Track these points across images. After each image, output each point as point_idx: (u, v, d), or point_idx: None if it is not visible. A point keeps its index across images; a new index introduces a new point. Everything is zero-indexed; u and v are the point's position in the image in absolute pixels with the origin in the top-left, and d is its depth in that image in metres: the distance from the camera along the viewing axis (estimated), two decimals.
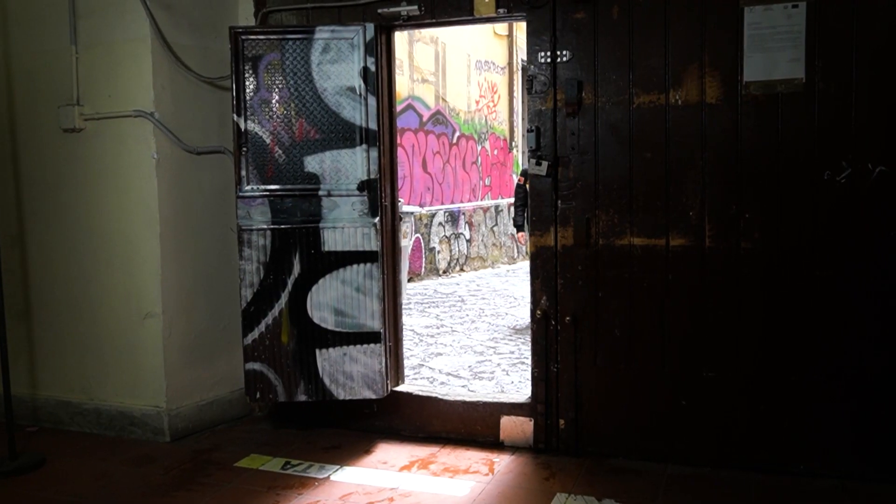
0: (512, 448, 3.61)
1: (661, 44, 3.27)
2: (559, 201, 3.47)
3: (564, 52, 3.40)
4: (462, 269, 10.31)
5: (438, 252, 9.72)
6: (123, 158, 3.79)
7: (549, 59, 3.43)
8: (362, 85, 3.62)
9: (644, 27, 3.29)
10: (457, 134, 10.37)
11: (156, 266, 3.75)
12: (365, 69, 3.61)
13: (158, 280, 3.76)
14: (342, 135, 3.65)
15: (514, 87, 11.93)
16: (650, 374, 3.39)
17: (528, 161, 3.51)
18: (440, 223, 9.71)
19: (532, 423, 3.59)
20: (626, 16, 3.30)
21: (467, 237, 10.40)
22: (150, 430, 3.82)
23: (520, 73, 11.89)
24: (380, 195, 3.68)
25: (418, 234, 9.18)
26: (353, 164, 3.66)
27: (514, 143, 12.22)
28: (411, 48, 9.15)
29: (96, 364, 3.94)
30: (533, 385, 3.60)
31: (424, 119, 9.46)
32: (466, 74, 10.59)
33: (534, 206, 3.53)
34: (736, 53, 3.17)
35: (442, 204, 9.89)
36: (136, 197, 3.78)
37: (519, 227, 7.02)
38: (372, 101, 3.63)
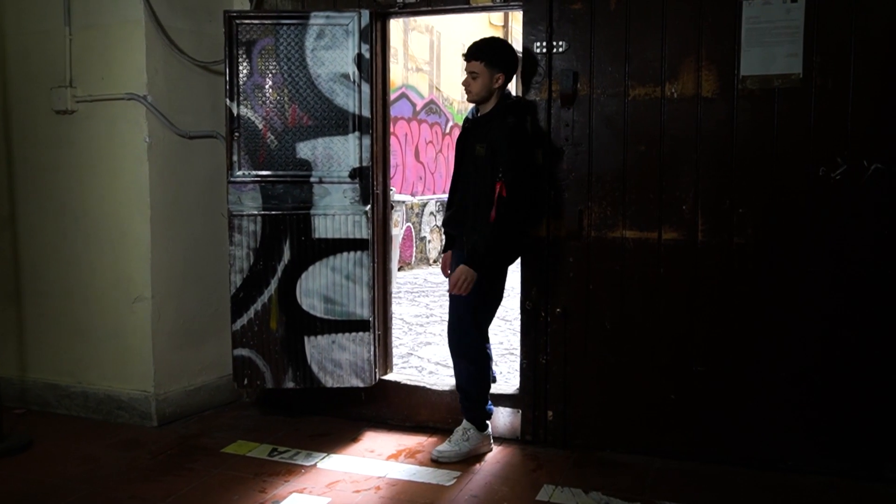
0: (499, 439, 3.61)
1: (657, 36, 3.25)
2: (552, 192, 3.46)
3: (560, 43, 3.38)
4: None
5: (429, 241, 9.70)
6: (115, 141, 3.76)
7: (544, 50, 3.41)
8: (356, 72, 3.60)
9: (641, 19, 3.27)
10: (450, 124, 10.34)
11: (146, 250, 3.73)
12: (359, 56, 3.58)
13: (148, 264, 3.73)
14: (335, 122, 3.63)
15: None
16: (640, 367, 3.39)
17: None
18: (431, 212, 9.69)
19: (520, 414, 3.59)
20: (624, 7, 3.28)
21: None
22: (137, 414, 3.80)
23: None
24: (372, 183, 3.66)
25: (409, 223, 9.17)
26: (345, 151, 3.64)
27: None
28: (406, 37, 9.11)
29: (85, 347, 3.92)
30: (521, 376, 3.60)
31: (418, 108, 9.43)
32: (461, 64, 10.55)
33: None
34: (733, 47, 3.16)
35: (434, 193, 9.87)
36: (127, 180, 3.75)
37: (448, 238, 3.59)
38: (366, 88, 3.60)
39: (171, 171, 3.82)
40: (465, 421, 3.43)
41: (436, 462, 3.35)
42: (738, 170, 3.20)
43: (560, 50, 3.39)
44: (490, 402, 3.50)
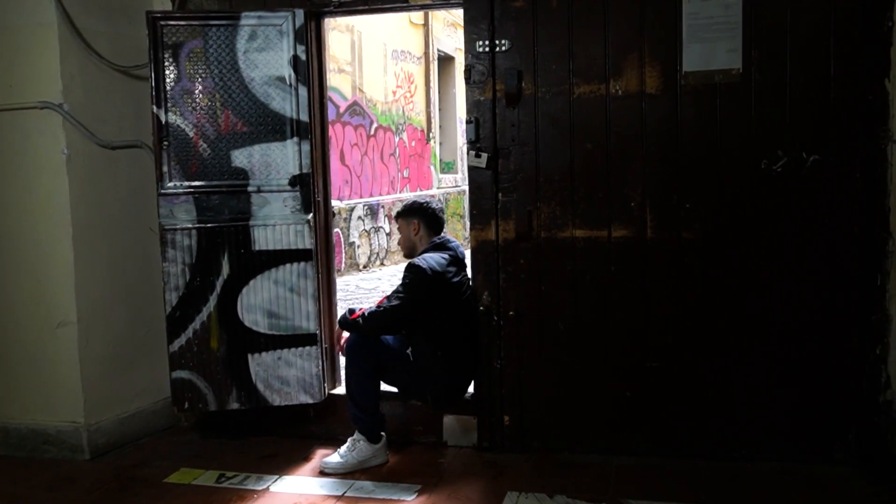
0: (456, 447, 3.53)
1: (601, 33, 3.23)
2: (500, 194, 3.40)
3: (503, 42, 3.32)
4: (383, 264, 10.16)
5: (358, 247, 9.54)
6: (29, 155, 3.48)
7: (487, 49, 3.34)
8: (293, 74, 3.44)
9: (584, 16, 3.24)
10: (374, 125, 10.18)
11: (69, 271, 3.47)
12: (295, 58, 3.43)
13: (72, 286, 3.47)
14: (272, 127, 3.47)
15: (431, 78, 11.82)
16: (594, 366, 3.37)
17: (468, 153, 3.42)
18: (359, 217, 9.52)
19: (476, 421, 3.52)
20: (566, 4, 3.25)
21: (387, 230, 10.24)
22: (67, 447, 3.53)
23: (436, 62, 11.79)
24: (313, 190, 3.52)
25: (337, 229, 8.97)
26: (283, 157, 3.48)
27: (431, 135, 12.13)
28: (327, 37, 8.90)
29: (3, 379, 3.62)
30: (476, 382, 3.53)
31: (341, 110, 9.23)
32: (383, 64, 10.41)
33: (474, 200, 3.44)
34: (675, 44, 3.17)
35: (361, 197, 9.69)
36: (44, 196, 3.48)
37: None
38: (303, 91, 3.45)
39: (94, 185, 3.57)
40: (356, 432, 3.34)
41: (323, 473, 3.28)
42: (684, 165, 3.22)
43: (503, 49, 3.32)
44: (381, 413, 3.41)
